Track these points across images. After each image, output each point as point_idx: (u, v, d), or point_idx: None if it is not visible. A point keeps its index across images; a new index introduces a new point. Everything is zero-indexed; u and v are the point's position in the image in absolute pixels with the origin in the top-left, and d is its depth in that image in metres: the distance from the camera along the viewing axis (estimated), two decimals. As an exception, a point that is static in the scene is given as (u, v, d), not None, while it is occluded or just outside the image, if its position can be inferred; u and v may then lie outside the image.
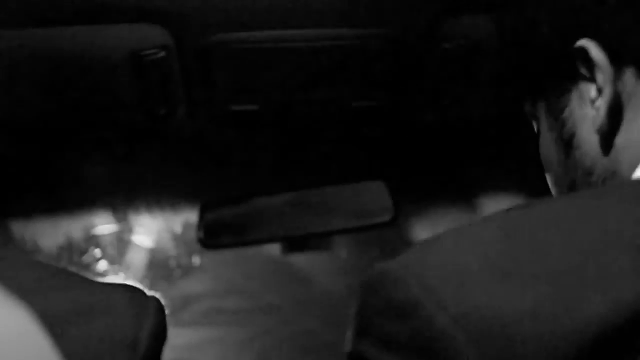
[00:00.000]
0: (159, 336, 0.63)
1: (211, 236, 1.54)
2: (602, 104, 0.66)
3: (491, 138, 1.59)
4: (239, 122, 1.50)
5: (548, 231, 0.56)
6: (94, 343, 0.59)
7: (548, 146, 0.75)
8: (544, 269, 0.53)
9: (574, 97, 0.70)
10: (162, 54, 1.37)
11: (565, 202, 0.62)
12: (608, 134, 0.67)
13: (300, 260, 1.69)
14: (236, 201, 1.56)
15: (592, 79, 0.67)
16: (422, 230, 1.62)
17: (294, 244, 1.67)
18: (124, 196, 1.68)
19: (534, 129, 0.80)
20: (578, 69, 0.68)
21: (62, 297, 0.60)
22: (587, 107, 0.68)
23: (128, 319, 0.62)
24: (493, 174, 1.65)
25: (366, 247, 1.66)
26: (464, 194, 1.67)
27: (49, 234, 1.68)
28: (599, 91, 0.67)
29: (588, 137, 0.69)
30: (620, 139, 0.66)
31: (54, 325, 0.57)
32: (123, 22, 1.35)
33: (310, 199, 1.58)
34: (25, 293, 0.57)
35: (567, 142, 0.71)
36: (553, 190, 0.77)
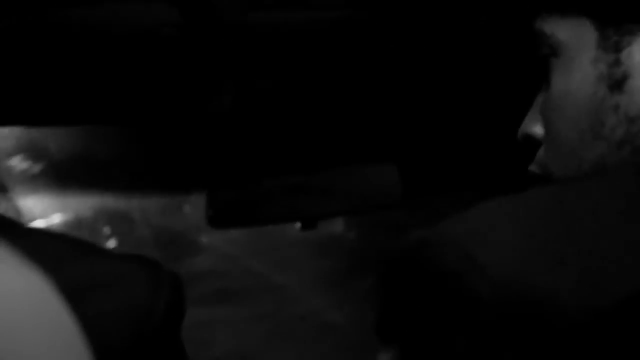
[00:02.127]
0: (175, 307, 0.64)
1: (220, 215, 1.54)
2: None
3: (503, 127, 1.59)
4: (253, 102, 1.50)
5: (586, 207, 0.55)
6: (110, 312, 0.60)
7: (582, 80, 0.69)
8: (578, 248, 0.53)
9: (639, 41, 0.66)
10: (178, 32, 1.37)
11: (602, 182, 0.60)
12: None
13: (308, 240, 1.69)
14: (246, 182, 1.56)
15: None
16: (431, 213, 1.62)
17: (302, 225, 1.67)
18: (134, 174, 1.68)
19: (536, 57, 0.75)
20: None
21: (80, 268, 0.61)
22: None
23: (144, 290, 0.62)
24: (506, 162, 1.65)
25: (375, 229, 1.66)
26: (474, 180, 1.67)
27: (59, 212, 1.68)
28: None
29: None
30: None
31: (72, 294, 0.57)
32: (138, 2, 1.35)
33: (319, 181, 1.58)
34: (43, 263, 0.58)
35: (616, 84, 0.67)
36: (555, 127, 0.72)
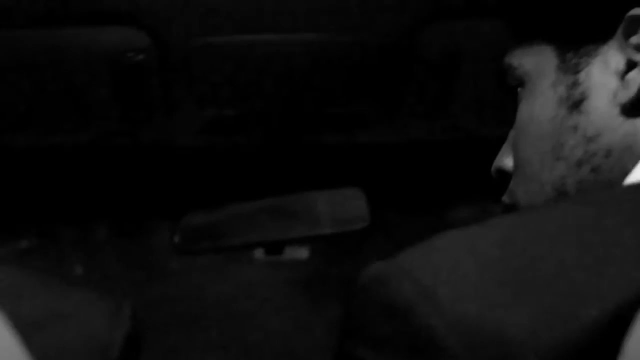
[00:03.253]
0: (133, 341, 0.62)
1: (187, 242, 1.53)
2: (638, 77, 0.64)
3: (475, 151, 1.60)
4: (217, 127, 1.49)
5: (545, 239, 0.55)
6: (66, 348, 0.58)
7: (543, 103, 0.71)
8: (542, 276, 0.52)
9: (597, 61, 0.67)
10: (142, 57, 1.36)
11: (563, 210, 0.60)
12: (634, 108, 0.64)
13: (274, 266, 1.68)
14: (212, 207, 1.55)
15: (625, 51, 0.65)
16: (399, 238, 1.62)
17: (267, 250, 1.66)
18: (102, 199, 1.66)
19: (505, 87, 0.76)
20: (615, 34, 0.66)
21: (35, 302, 0.60)
22: (611, 76, 0.66)
23: (101, 324, 0.61)
24: (475, 189, 1.66)
25: (342, 254, 1.66)
26: (443, 205, 1.67)
27: (23, 237, 1.66)
28: (629, 65, 0.65)
29: (600, 106, 0.66)
30: None
31: (26, 329, 0.56)
32: (103, 24, 1.34)
33: (287, 205, 1.57)
34: None
35: (574, 104, 0.68)
36: (522, 152, 0.73)
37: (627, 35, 0.65)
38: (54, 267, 1.54)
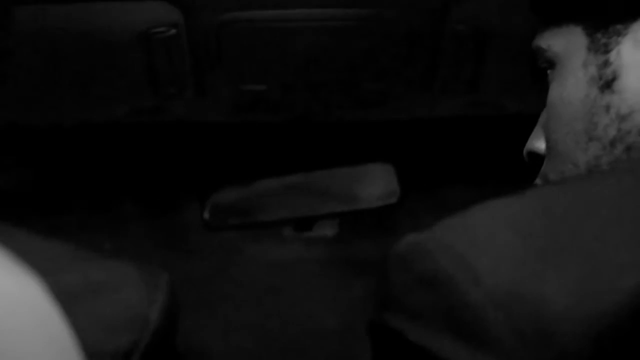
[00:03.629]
0: (170, 312, 0.63)
1: (217, 218, 1.54)
2: None
3: (506, 128, 1.59)
4: (247, 103, 1.49)
5: (584, 209, 0.55)
6: (104, 318, 0.59)
7: (574, 84, 0.71)
8: (579, 247, 0.52)
9: (627, 40, 0.68)
10: (172, 32, 1.36)
11: (600, 180, 0.60)
12: None
13: (305, 242, 1.68)
14: (242, 183, 1.56)
15: None
16: (429, 214, 1.61)
17: (299, 226, 1.66)
18: (130, 176, 1.67)
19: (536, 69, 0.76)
20: None
21: (73, 274, 0.60)
22: None
23: (138, 295, 0.61)
24: (506, 160, 1.65)
25: (372, 229, 1.66)
26: (472, 180, 1.66)
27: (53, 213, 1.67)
28: None
29: (633, 84, 0.67)
30: None
31: (65, 300, 0.56)
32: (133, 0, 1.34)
33: (316, 182, 1.57)
34: (37, 269, 0.57)
35: (606, 84, 0.68)
36: (555, 135, 0.73)
37: None
38: (82, 242, 1.55)
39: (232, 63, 1.42)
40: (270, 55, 1.42)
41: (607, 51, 0.68)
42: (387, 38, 1.40)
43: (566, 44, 0.73)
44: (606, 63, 0.68)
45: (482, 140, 1.65)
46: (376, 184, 1.56)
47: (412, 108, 1.55)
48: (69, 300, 0.57)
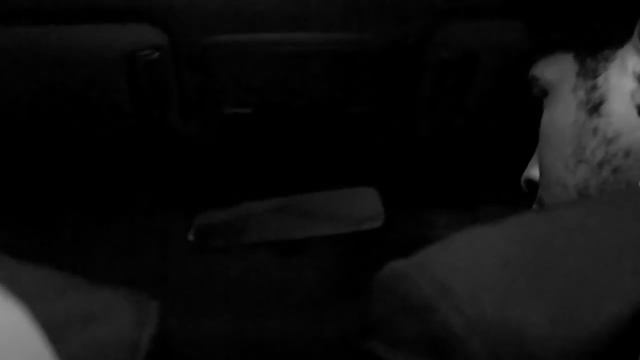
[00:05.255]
0: (162, 341, 0.62)
1: (201, 238, 1.54)
2: None
3: (488, 148, 1.59)
4: (233, 126, 1.49)
5: (565, 235, 0.55)
6: (93, 348, 0.58)
7: (564, 108, 0.73)
8: (559, 275, 0.53)
9: (615, 65, 0.69)
10: (157, 55, 1.36)
11: (581, 208, 0.61)
12: None
13: (289, 265, 1.68)
14: (227, 205, 1.56)
15: None
16: (414, 238, 1.62)
17: (283, 249, 1.66)
18: (114, 198, 1.66)
19: (529, 99, 0.78)
20: (632, 38, 0.68)
21: (62, 302, 0.59)
22: (628, 79, 0.68)
23: (128, 323, 0.61)
24: (489, 185, 1.65)
25: (357, 253, 1.66)
26: (458, 203, 1.67)
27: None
28: None
29: (620, 107, 0.68)
30: None
31: (53, 330, 0.56)
32: (117, 22, 1.34)
33: (301, 204, 1.57)
34: (24, 298, 0.56)
35: (594, 108, 0.70)
36: (545, 159, 0.75)
37: None
38: (72, 258, 1.54)
39: (217, 86, 1.42)
40: (256, 79, 1.42)
41: (595, 76, 0.70)
42: (372, 62, 1.40)
43: (558, 71, 0.75)
44: (594, 87, 0.70)
45: (467, 163, 1.66)
46: (361, 207, 1.57)
47: (396, 131, 1.55)
48: (58, 328, 0.57)
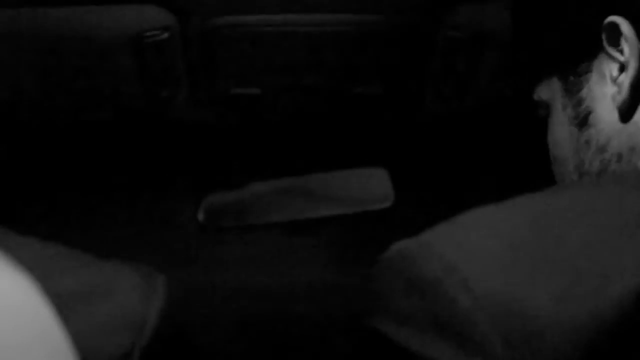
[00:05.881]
0: (168, 316, 0.62)
1: (211, 219, 1.54)
2: (625, 79, 0.68)
3: (494, 129, 1.59)
4: (241, 107, 1.49)
5: (571, 217, 0.56)
6: (100, 323, 0.58)
7: (560, 127, 0.76)
8: (567, 255, 0.53)
9: (594, 75, 0.71)
10: (165, 35, 1.36)
11: (587, 188, 0.62)
12: (629, 109, 0.68)
13: (297, 245, 1.68)
14: (236, 186, 1.56)
15: (614, 57, 0.69)
16: (422, 218, 1.61)
17: (291, 229, 1.66)
18: (123, 179, 1.67)
19: (538, 119, 0.81)
20: (602, 46, 0.69)
21: (69, 277, 0.60)
22: (607, 85, 0.70)
23: (135, 299, 0.61)
24: (496, 166, 1.65)
25: (365, 233, 1.66)
26: (465, 184, 1.67)
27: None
28: (621, 69, 0.68)
29: (605, 114, 0.70)
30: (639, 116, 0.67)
31: (62, 303, 0.56)
32: (125, 2, 1.34)
33: (309, 185, 1.57)
34: (33, 272, 0.57)
35: (583, 120, 0.72)
36: (557, 177, 0.78)
37: (611, 42, 0.69)
38: (82, 236, 1.54)
39: (225, 67, 1.42)
40: (263, 59, 1.42)
41: (579, 90, 0.72)
42: (380, 43, 1.40)
43: (550, 92, 0.78)
44: (580, 101, 0.72)
45: (476, 144, 1.65)
46: (370, 188, 1.57)
47: (405, 112, 1.55)
48: (66, 303, 0.57)
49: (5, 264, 0.55)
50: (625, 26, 0.67)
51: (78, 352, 0.55)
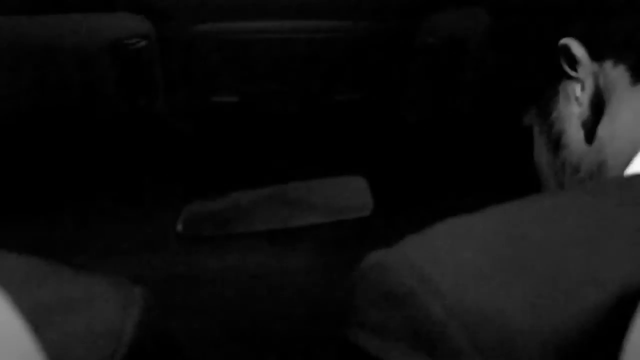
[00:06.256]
0: (147, 326, 0.62)
1: (190, 228, 1.53)
2: (584, 97, 0.69)
3: (474, 135, 1.59)
4: (219, 115, 1.49)
5: (546, 225, 0.56)
6: (76, 335, 0.58)
7: (539, 151, 0.77)
8: (540, 262, 0.53)
9: (561, 97, 0.72)
10: (143, 43, 1.36)
11: (562, 197, 0.62)
12: (591, 126, 0.69)
13: (277, 254, 1.68)
14: (215, 195, 1.55)
15: (575, 77, 0.70)
16: (401, 226, 1.61)
17: (271, 238, 1.66)
18: (101, 187, 1.66)
19: (519, 127, 0.82)
20: (563, 68, 0.71)
21: (44, 289, 0.59)
22: (573, 104, 0.71)
23: (112, 311, 0.60)
24: (476, 172, 1.66)
25: (344, 242, 1.66)
26: (445, 192, 1.67)
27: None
28: (582, 88, 0.69)
29: (575, 134, 0.71)
30: (604, 132, 0.68)
31: (35, 317, 0.55)
32: (104, 10, 1.34)
33: (289, 194, 1.57)
34: (5, 285, 0.56)
35: (556, 143, 0.73)
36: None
37: (568, 63, 0.70)
38: (57, 247, 1.53)
39: (203, 74, 1.42)
40: (242, 67, 1.42)
41: (549, 113, 0.74)
42: (359, 49, 1.41)
43: (530, 118, 0.79)
44: (551, 125, 0.74)
45: (456, 150, 1.66)
46: (349, 197, 1.57)
47: (384, 119, 1.55)
48: (42, 315, 0.56)
49: None
50: (575, 47, 0.69)
51: (54, 364, 0.54)
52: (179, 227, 1.51)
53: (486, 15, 1.32)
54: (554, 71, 0.71)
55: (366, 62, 1.43)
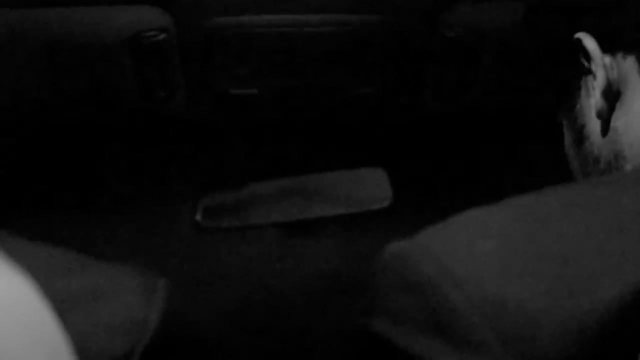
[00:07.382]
0: (170, 318, 0.62)
1: (208, 219, 1.54)
2: (596, 88, 0.70)
3: (493, 130, 1.59)
4: (238, 107, 1.49)
5: (563, 216, 0.56)
6: (100, 324, 0.58)
7: (568, 144, 0.78)
8: (559, 252, 0.53)
9: (582, 91, 0.74)
10: (162, 36, 1.36)
11: (581, 188, 0.62)
12: (605, 116, 0.70)
13: (295, 245, 1.68)
14: (234, 186, 1.56)
15: (589, 70, 0.71)
16: (420, 218, 1.61)
17: (289, 230, 1.66)
18: (121, 179, 1.67)
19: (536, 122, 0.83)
20: (580, 62, 0.72)
21: (70, 279, 0.60)
22: (591, 97, 0.72)
23: (136, 301, 0.61)
24: (496, 164, 1.65)
25: (363, 233, 1.66)
26: (463, 184, 1.67)
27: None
28: (595, 79, 0.70)
29: (594, 126, 0.72)
30: (618, 122, 0.69)
31: (61, 307, 0.56)
32: (123, 3, 1.34)
33: (308, 185, 1.57)
34: (33, 274, 0.56)
35: (579, 135, 0.74)
36: None
37: (584, 57, 0.71)
38: (79, 238, 1.54)
39: (222, 67, 1.42)
40: (260, 60, 1.42)
41: (574, 107, 0.76)
42: (378, 43, 1.40)
43: (561, 113, 0.81)
44: (575, 119, 0.75)
45: (474, 143, 1.66)
46: (368, 188, 1.57)
47: (403, 112, 1.55)
48: (67, 304, 0.57)
49: (4, 265, 0.55)
50: (587, 40, 0.70)
51: (79, 353, 0.55)
52: (198, 218, 1.51)
53: (509, 9, 1.32)
54: (577, 65, 0.73)
55: (385, 56, 1.43)
